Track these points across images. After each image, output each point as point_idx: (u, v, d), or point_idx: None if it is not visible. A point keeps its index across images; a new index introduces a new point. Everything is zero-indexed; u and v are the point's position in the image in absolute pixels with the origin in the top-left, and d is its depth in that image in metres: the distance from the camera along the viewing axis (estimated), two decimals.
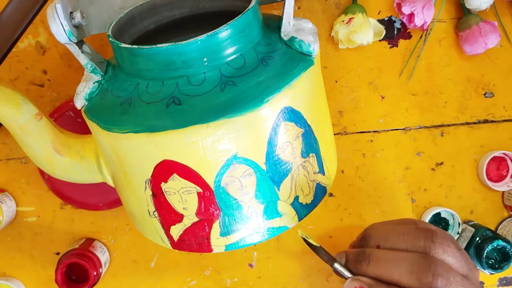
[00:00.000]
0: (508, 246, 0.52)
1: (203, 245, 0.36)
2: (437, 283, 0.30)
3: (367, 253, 0.33)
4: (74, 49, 0.35)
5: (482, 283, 0.59)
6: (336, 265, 0.33)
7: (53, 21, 0.33)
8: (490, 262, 0.54)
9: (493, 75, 0.56)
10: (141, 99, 0.33)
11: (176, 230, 0.36)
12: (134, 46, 0.33)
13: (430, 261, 0.31)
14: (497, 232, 0.58)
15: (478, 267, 0.54)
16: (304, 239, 0.35)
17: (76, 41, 0.35)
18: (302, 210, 0.36)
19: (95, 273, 0.53)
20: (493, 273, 0.54)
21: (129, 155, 0.34)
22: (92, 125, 0.35)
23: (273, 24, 0.38)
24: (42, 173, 0.54)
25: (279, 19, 0.36)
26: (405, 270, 0.30)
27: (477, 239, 0.54)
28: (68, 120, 0.53)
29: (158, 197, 0.35)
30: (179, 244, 0.36)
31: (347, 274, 0.33)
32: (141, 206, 0.36)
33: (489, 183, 0.56)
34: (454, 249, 0.32)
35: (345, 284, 0.32)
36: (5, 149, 0.55)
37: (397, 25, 0.55)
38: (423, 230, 0.33)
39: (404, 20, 0.53)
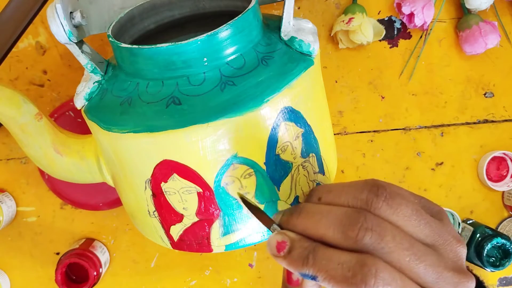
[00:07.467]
0: (508, 243, 0.52)
1: (203, 245, 0.36)
2: (365, 239, 0.24)
3: (301, 206, 0.28)
4: (74, 49, 0.35)
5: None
6: (275, 226, 0.28)
7: (53, 21, 0.33)
8: (491, 260, 0.54)
9: (493, 75, 0.56)
10: (141, 99, 0.33)
11: (176, 230, 0.36)
12: (134, 46, 0.33)
13: (363, 214, 0.25)
14: None
15: (479, 265, 0.54)
16: (243, 199, 0.31)
17: (76, 41, 0.35)
18: None
19: (95, 273, 0.53)
20: (494, 271, 0.54)
21: (129, 155, 0.34)
22: (92, 125, 0.35)
23: (273, 24, 0.38)
24: (42, 173, 0.54)
25: (279, 19, 0.36)
26: (333, 223, 0.25)
27: (477, 236, 0.54)
28: (68, 120, 0.53)
29: (158, 197, 0.35)
30: (179, 244, 0.36)
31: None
32: (141, 206, 0.36)
33: (489, 183, 0.56)
34: (409, 210, 0.25)
35: (268, 239, 0.27)
36: (5, 149, 0.55)
37: (397, 25, 0.55)
38: (370, 183, 0.26)
39: (404, 20, 0.53)
